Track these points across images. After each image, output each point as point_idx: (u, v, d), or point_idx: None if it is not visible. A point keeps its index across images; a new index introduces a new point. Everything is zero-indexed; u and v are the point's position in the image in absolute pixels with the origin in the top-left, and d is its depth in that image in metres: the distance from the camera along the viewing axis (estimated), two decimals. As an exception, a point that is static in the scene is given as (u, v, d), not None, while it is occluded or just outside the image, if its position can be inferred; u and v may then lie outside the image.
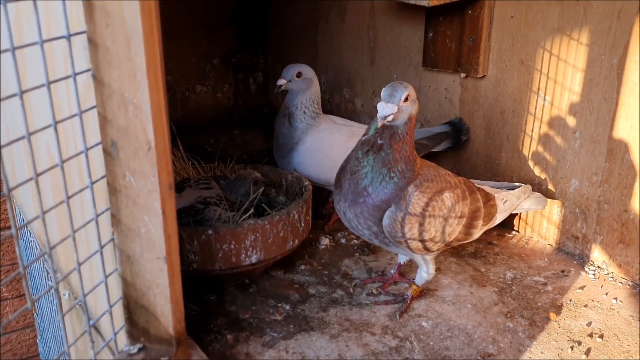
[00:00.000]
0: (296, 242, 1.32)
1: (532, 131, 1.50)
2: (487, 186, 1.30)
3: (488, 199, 1.24)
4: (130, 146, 0.83)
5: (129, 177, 0.85)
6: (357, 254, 1.48)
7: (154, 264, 0.89)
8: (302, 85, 1.54)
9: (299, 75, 1.54)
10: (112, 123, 0.83)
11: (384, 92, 1.09)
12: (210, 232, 1.20)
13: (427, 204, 1.12)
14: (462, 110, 1.67)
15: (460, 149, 1.69)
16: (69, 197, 0.81)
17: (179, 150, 1.63)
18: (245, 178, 1.45)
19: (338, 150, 1.52)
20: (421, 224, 1.13)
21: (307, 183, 1.44)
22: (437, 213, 1.14)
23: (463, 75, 1.62)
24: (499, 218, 1.29)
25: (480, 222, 1.22)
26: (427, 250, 1.18)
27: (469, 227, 1.20)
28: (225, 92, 2.47)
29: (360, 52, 1.97)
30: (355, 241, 1.54)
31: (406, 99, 1.08)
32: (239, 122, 2.49)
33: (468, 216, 1.19)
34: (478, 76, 1.58)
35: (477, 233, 1.24)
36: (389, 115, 1.07)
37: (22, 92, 0.69)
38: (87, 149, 0.84)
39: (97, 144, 0.86)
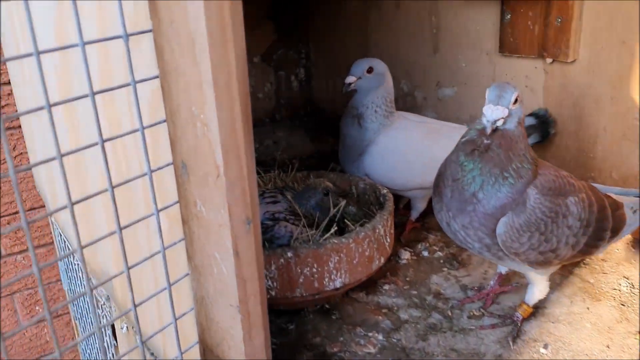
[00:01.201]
0: (382, 260, 1.16)
1: (636, 120, 1.31)
2: (611, 192, 1.12)
3: (617, 206, 1.06)
4: (200, 170, 0.65)
5: (199, 206, 0.68)
6: (445, 269, 1.31)
7: (227, 312, 0.71)
8: (373, 82, 1.37)
9: (370, 70, 1.36)
10: (181, 141, 0.66)
11: (490, 94, 0.93)
12: (289, 254, 1.04)
13: (549, 209, 0.95)
14: (547, 99, 1.49)
15: (544, 142, 1.51)
16: (121, 228, 0.64)
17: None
18: (315, 188, 1.29)
19: (415, 150, 1.36)
20: (542, 233, 0.96)
21: (385, 191, 1.28)
22: (560, 220, 0.97)
23: (549, 60, 1.44)
24: (627, 230, 1.10)
25: (608, 233, 1.04)
26: (547, 264, 1.01)
27: (594, 238, 1.02)
28: (266, 92, 2.31)
29: (420, 40, 1.80)
30: (440, 253, 1.37)
31: (515, 101, 0.92)
32: (281, 123, 2.33)
33: (594, 226, 1.01)
34: (568, 60, 1.39)
35: (603, 246, 1.05)
36: (498, 119, 0.91)
37: (51, 106, 0.54)
38: (152, 171, 0.67)
39: (167, 165, 0.70)
